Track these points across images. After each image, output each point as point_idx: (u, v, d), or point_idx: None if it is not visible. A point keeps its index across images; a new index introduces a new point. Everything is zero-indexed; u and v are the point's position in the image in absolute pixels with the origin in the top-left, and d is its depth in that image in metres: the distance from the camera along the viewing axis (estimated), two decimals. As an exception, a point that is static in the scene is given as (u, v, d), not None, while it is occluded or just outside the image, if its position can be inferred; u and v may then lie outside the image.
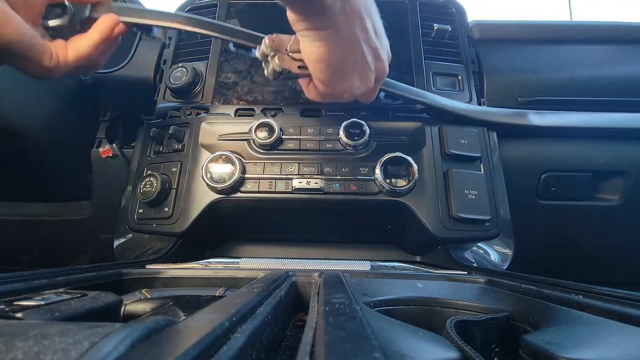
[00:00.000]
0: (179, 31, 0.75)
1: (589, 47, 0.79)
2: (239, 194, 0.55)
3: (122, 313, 0.30)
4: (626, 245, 0.79)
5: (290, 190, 0.55)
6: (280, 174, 0.56)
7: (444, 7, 0.76)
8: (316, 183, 0.55)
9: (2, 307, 0.21)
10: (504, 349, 0.28)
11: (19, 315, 0.20)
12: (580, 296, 0.27)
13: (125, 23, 0.48)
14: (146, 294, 0.38)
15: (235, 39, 0.51)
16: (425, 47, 0.70)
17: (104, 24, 0.46)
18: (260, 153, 0.57)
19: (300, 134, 0.59)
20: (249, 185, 0.55)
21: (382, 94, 0.57)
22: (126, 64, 0.79)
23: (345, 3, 0.37)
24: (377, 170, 0.54)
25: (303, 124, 0.60)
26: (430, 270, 0.49)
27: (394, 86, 0.58)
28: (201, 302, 0.36)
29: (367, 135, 0.56)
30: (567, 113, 0.70)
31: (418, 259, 0.63)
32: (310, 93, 0.48)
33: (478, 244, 0.61)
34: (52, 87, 0.69)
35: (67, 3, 0.45)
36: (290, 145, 0.58)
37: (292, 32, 0.42)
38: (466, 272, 0.44)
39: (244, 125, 0.60)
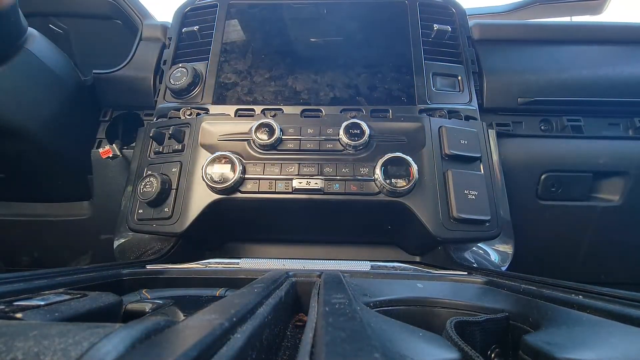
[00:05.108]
0: (179, 31, 0.76)
1: (589, 47, 0.79)
2: (239, 194, 0.55)
3: (122, 313, 0.30)
4: (626, 245, 0.79)
5: (290, 191, 0.55)
6: (280, 175, 0.56)
7: (444, 7, 0.76)
8: (316, 183, 0.54)
9: (3, 307, 0.21)
10: (504, 349, 0.28)
11: (19, 315, 0.20)
12: (580, 297, 0.27)
13: None
14: (146, 294, 0.38)
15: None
16: (425, 48, 0.70)
17: None
18: (260, 153, 0.57)
19: (300, 135, 0.59)
20: (249, 186, 0.55)
21: None
22: (126, 64, 0.79)
23: None
24: (377, 171, 0.54)
25: (303, 125, 0.60)
26: (431, 270, 0.49)
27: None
28: (201, 302, 0.36)
29: (367, 135, 0.56)
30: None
31: (418, 259, 0.63)
32: None
33: (478, 244, 0.61)
34: (52, 88, 0.69)
35: None
36: (290, 145, 0.58)
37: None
38: (466, 273, 0.44)
39: (244, 126, 0.60)
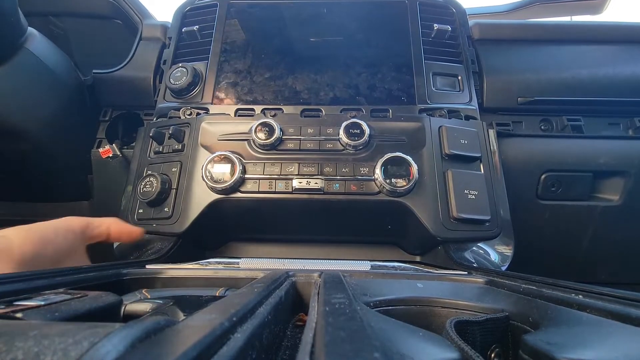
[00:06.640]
0: (179, 31, 0.76)
1: (589, 47, 0.79)
2: (239, 194, 0.55)
3: (122, 313, 0.30)
4: (627, 245, 0.79)
5: (290, 191, 0.55)
6: (280, 174, 0.56)
7: (444, 7, 0.76)
8: (316, 183, 0.54)
9: (2, 307, 0.21)
10: (504, 349, 0.28)
11: (19, 315, 0.20)
12: (580, 296, 0.27)
13: None
14: (146, 294, 0.38)
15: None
16: (425, 47, 0.70)
17: None
18: (260, 153, 0.57)
19: (300, 134, 0.59)
20: (249, 186, 0.55)
21: None
22: (126, 64, 0.79)
23: None
24: (377, 170, 0.54)
25: (303, 124, 0.60)
26: (430, 270, 0.49)
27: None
28: (201, 302, 0.36)
29: (367, 135, 0.56)
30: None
31: (418, 259, 0.63)
32: None
33: (478, 244, 0.61)
34: (52, 88, 0.69)
35: None
36: (290, 145, 0.58)
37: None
38: (466, 272, 0.44)
39: (244, 126, 0.60)
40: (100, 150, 0.74)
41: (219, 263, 0.53)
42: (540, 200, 0.75)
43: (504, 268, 0.61)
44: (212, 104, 0.66)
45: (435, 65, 0.69)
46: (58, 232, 0.43)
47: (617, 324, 0.23)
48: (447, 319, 0.26)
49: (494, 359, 0.27)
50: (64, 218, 0.45)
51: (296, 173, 0.56)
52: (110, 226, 0.49)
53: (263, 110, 0.65)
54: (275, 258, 0.56)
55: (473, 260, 0.59)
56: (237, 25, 0.74)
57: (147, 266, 0.45)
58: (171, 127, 0.61)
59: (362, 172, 0.55)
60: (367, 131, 0.56)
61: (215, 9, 0.75)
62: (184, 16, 0.78)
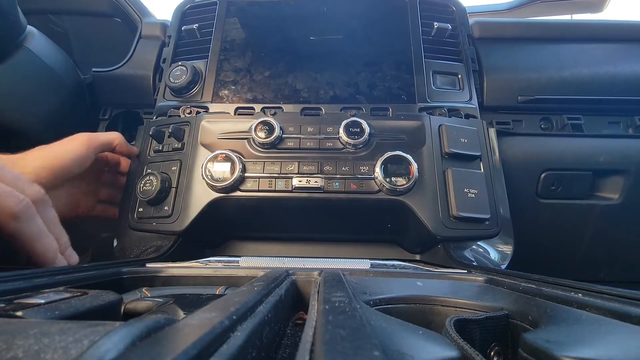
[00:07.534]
0: (179, 29, 0.76)
1: (590, 45, 0.79)
2: (238, 193, 0.55)
3: (122, 311, 0.30)
4: (626, 243, 0.79)
5: (290, 189, 0.55)
6: (280, 173, 0.56)
7: (444, 5, 0.75)
8: (316, 182, 0.54)
9: (2, 305, 0.21)
10: (504, 347, 0.28)
11: (19, 313, 0.20)
12: (579, 295, 0.27)
13: None
14: (146, 292, 0.38)
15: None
16: (425, 46, 0.70)
17: None
18: (260, 152, 0.57)
19: (300, 133, 0.59)
20: (248, 184, 0.55)
21: None
22: (126, 62, 0.79)
23: None
24: (377, 169, 0.54)
25: (303, 123, 0.60)
26: (430, 268, 0.49)
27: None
28: (201, 300, 0.36)
29: (367, 133, 0.56)
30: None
31: (418, 257, 0.63)
32: None
33: (478, 242, 0.61)
34: (52, 87, 0.69)
35: None
36: (290, 144, 0.58)
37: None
38: (466, 271, 0.44)
39: (243, 124, 0.59)
40: (100, 148, 0.74)
41: (219, 261, 0.53)
42: (540, 199, 0.75)
43: (503, 266, 0.61)
44: (211, 102, 0.66)
45: (435, 64, 0.69)
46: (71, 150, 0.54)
47: (617, 322, 0.23)
48: (447, 317, 0.26)
49: (493, 357, 0.28)
50: (69, 138, 0.55)
51: (296, 172, 0.55)
52: (116, 139, 0.61)
53: (263, 109, 0.65)
54: (275, 256, 0.56)
55: (473, 259, 0.59)
56: (237, 24, 0.74)
57: (147, 265, 0.45)
58: (171, 126, 0.61)
59: (362, 170, 0.55)
60: (367, 130, 0.56)
61: (215, 7, 0.75)
62: (184, 14, 0.77)
